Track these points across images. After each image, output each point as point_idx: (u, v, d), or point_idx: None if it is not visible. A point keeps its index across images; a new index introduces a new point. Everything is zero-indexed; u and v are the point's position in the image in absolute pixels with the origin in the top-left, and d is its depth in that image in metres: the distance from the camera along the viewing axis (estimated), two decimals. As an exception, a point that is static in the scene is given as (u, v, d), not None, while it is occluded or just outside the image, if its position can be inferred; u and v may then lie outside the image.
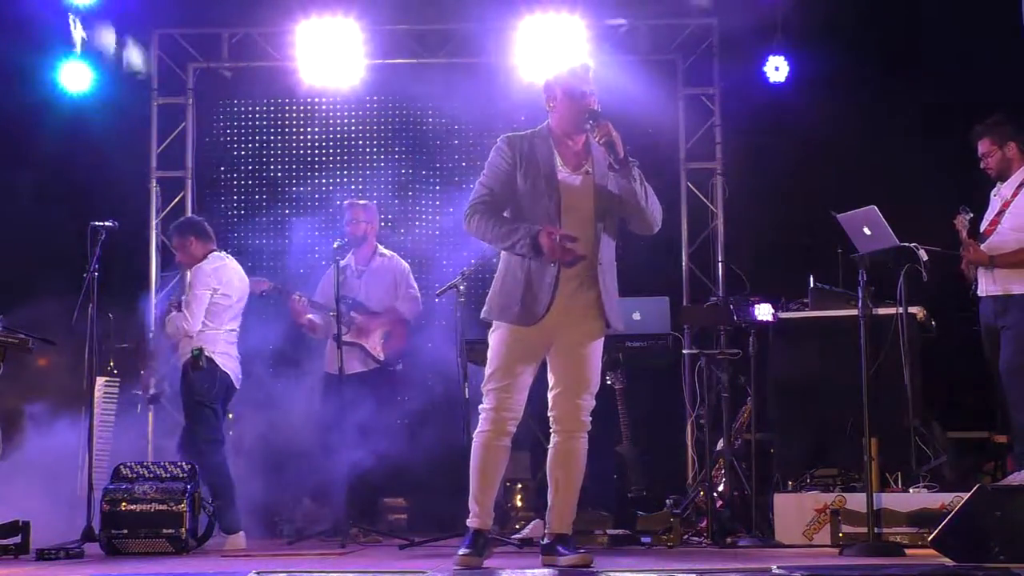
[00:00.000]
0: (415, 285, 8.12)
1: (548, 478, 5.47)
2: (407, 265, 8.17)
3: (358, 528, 7.13)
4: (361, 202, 8.14)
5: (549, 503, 5.46)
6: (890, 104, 8.70)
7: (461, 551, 5.30)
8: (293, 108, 9.60)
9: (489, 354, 5.45)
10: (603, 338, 5.46)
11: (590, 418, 5.43)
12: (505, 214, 5.46)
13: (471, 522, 5.38)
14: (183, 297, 7.38)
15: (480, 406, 5.46)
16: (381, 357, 7.86)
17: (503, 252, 5.47)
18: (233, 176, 9.58)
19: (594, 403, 5.46)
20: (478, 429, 5.42)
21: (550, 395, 5.44)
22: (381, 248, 8.16)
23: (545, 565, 5.30)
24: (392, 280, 8.03)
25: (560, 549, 5.32)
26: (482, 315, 5.52)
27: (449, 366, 7.20)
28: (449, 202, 9.21)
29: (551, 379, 5.45)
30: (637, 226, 5.52)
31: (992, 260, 6.88)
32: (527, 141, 5.48)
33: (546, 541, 5.42)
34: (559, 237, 5.23)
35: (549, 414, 5.45)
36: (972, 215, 6.96)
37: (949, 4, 8.69)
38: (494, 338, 5.45)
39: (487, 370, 5.44)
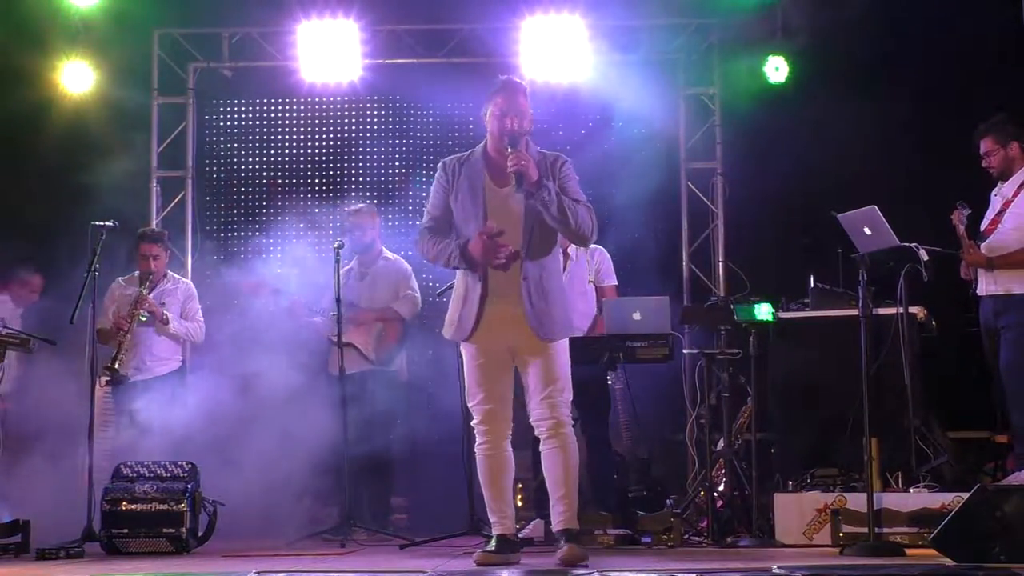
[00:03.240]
0: (415, 287, 8.10)
1: (545, 478, 5.63)
2: (409, 268, 8.16)
3: (362, 528, 7.12)
4: (363, 207, 8.13)
5: (551, 501, 5.60)
6: (890, 104, 8.69)
7: (482, 550, 5.52)
8: (293, 108, 9.60)
9: (464, 371, 5.67)
10: (559, 344, 5.55)
11: (567, 410, 5.57)
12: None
13: (494, 529, 5.59)
14: (179, 307, 7.96)
15: (472, 422, 5.65)
16: (372, 357, 7.84)
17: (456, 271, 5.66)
18: (233, 176, 9.58)
19: (569, 396, 5.58)
20: (476, 443, 5.63)
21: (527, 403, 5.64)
22: (386, 251, 8.16)
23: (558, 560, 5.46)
24: (394, 283, 8.02)
25: (561, 543, 5.47)
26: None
27: (450, 365, 7.20)
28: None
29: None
30: (570, 240, 5.65)
31: (991, 262, 6.88)
32: (462, 162, 5.66)
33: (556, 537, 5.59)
34: (487, 237, 5.41)
35: (530, 420, 5.62)
36: (970, 211, 6.96)
37: (950, 3, 8.69)
38: (463, 355, 5.67)
39: (467, 386, 5.65)
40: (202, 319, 8.07)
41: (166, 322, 7.82)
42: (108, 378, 7.62)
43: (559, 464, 5.53)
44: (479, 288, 5.53)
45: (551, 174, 5.55)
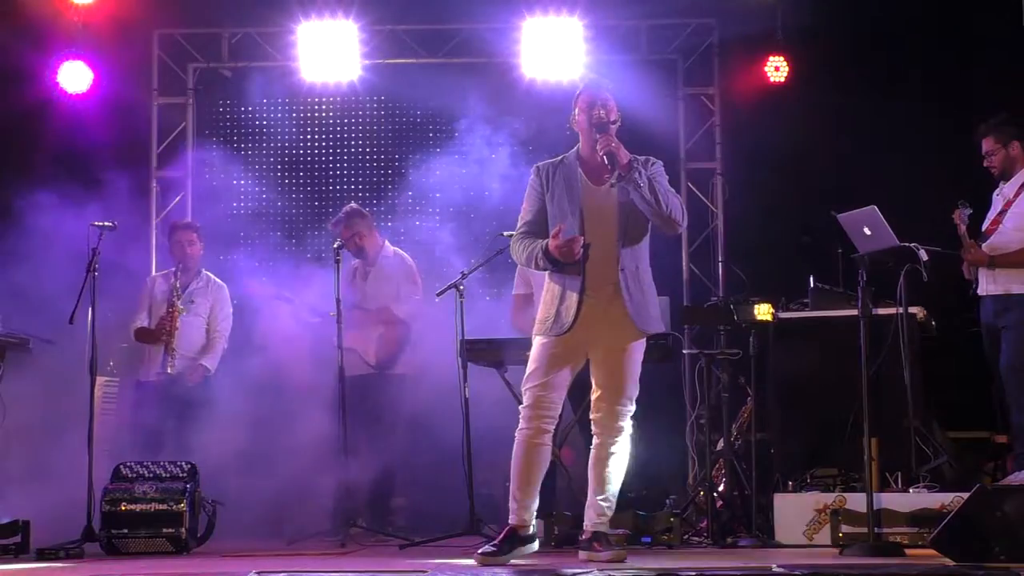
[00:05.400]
0: (418, 286, 8.07)
1: (589, 478, 5.68)
2: (412, 262, 8.13)
3: (363, 528, 7.12)
4: (340, 216, 8.10)
5: (588, 501, 5.67)
6: (890, 104, 8.69)
7: (484, 548, 5.53)
8: (293, 108, 9.60)
9: (530, 355, 5.68)
10: (641, 343, 5.66)
11: (630, 422, 5.67)
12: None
13: (510, 519, 5.62)
14: (207, 305, 7.99)
15: (520, 405, 5.67)
16: (373, 361, 7.84)
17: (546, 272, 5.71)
18: (233, 176, 9.57)
19: (633, 408, 5.68)
20: (518, 427, 5.64)
21: (592, 398, 5.69)
22: (387, 246, 8.13)
23: (586, 560, 5.49)
24: (396, 279, 8.00)
25: (597, 546, 5.53)
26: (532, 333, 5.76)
27: (449, 366, 7.20)
28: (449, 202, 9.23)
29: (593, 383, 5.68)
30: (660, 228, 5.66)
31: (992, 261, 6.88)
32: (555, 166, 5.72)
33: (584, 537, 5.64)
34: (562, 237, 5.44)
35: (591, 417, 5.70)
36: (971, 211, 6.96)
37: (950, 3, 8.70)
38: (535, 342, 5.68)
39: (527, 370, 5.67)
40: (227, 325, 8.05)
41: (208, 372, 7.89)
42: (163, 380, 7.72)
43: (608, 468, 5.62)
44: (578, 284, 5.56)
45: (642, 169, 5.62)
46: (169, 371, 7.71)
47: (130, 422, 7.90)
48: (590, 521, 5.63)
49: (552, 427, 5.66)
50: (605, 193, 5.60)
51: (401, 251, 8.21)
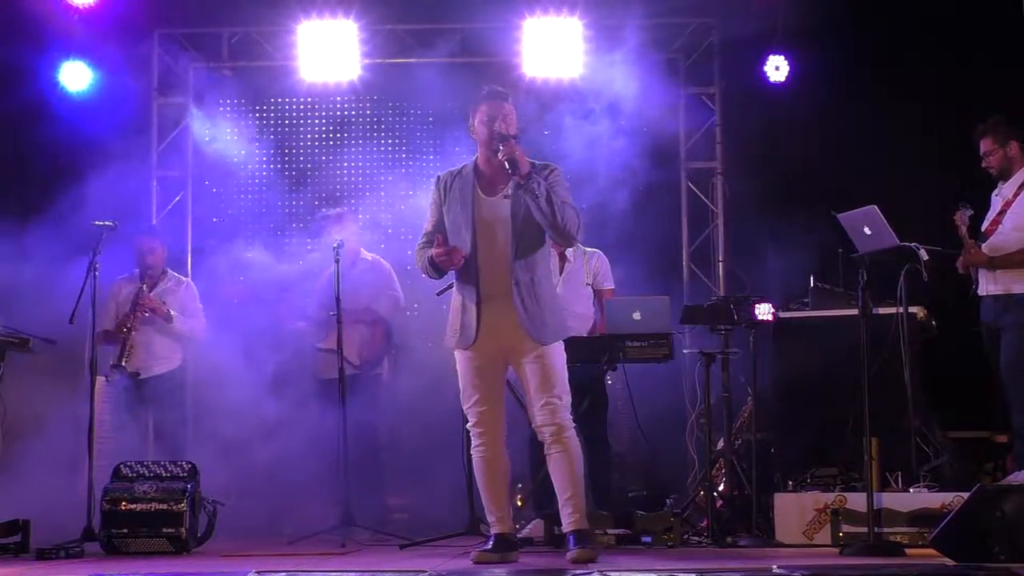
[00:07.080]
0: (398, 288, 8.13)
1: (553, 481, 5.69)
2: (389, 267, 8.18)
3: (363, 528, 7.12)
4: (331, 214, 8.17)
5: (559, 503, 5.68)
6: (890, 104, 8.69)
7: (482, 548, 5.62)
8: (293, 108, 9.60)
9: (457, 371, 5.76)
10: (553, 347, 5.67)
11: (568, 414, 5.67)
12: None
13: (492, 528, 5.71)
14: (179, 306, 7.90)
15: (467, 425, 5.76)
16: (356, 362, 7.84)
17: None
18: (233, 176, 9.56)
19: (567, 400, 5.68)
20: (472, 445, 5.74)
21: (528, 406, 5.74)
22: (364, 252, 8.18)
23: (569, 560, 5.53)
24: (374, 283, 8.04)
25: (570, 543, 5.58)
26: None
27: (446, 365, 7.20)
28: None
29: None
30: (555, 239, 5.75)
31: (992, 261, 6.88)
32: (453, 176, 5.77)
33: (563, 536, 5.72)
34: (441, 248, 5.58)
35: (533, 425, 5.75)
36: (972, 212, 6.96)
37: (950, 3, 8.69)
38: (457, 362, 5.76)
39: (460, 389, 5.75)
40: (204, 318, 8.06)
41: (170, 320, 7.81)
42: (117, 377, 7.63)
43: (564, 468, 5.63)
44: (475, 294, 5.63)
45: (540, 180, 5.62)
46: (124, 364, 7.66)
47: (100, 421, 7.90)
48: (564, 521, 5.67)
49: (504, 433, 5.73)
50: (498, 204, 5.64)
51: (379, 257, 8.25)
